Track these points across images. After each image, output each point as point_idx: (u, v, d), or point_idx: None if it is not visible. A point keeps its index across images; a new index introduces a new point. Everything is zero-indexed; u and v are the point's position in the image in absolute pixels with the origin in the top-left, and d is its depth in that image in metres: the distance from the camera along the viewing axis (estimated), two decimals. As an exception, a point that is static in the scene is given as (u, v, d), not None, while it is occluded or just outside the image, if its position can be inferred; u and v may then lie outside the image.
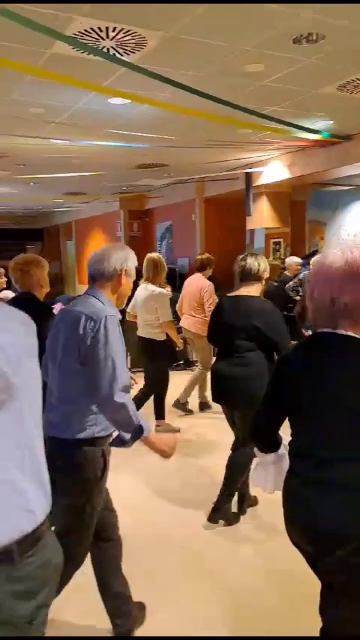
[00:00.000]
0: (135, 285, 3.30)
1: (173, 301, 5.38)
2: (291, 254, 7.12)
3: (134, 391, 4.37)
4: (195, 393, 5.01)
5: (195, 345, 5.24)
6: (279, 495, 1.49)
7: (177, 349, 4.80)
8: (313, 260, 4.23)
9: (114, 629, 1.97)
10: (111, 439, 1.78)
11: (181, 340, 4.66)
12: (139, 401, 4.36)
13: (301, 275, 5.87)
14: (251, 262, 2.80)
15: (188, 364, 6.52)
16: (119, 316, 1.81)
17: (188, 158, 6.44)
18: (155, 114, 4.43)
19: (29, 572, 0.99)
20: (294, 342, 2.20)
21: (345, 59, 3.38)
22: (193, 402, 5.01)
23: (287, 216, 7.51)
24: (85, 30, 2.83)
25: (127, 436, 1.69)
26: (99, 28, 2.81)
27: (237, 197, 7.47)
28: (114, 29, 2.82)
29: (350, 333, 1.37)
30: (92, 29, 2.81)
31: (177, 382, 4.96)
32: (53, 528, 1.14)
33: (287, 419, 1.52)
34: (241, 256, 2.87)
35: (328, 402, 1.37)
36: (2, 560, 0.96)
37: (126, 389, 1.71)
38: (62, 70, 3.36)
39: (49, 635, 1.12)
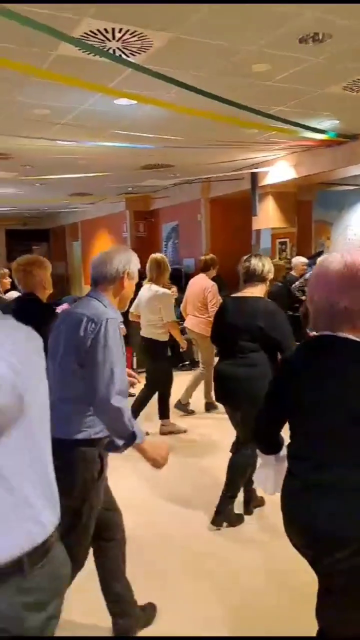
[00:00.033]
0: (139, 285, 3.31)
1: (179, 302, 5.39)
2: (297, 254, 7.10)
3: (136, 390, 4.39)
4: (200, 394, 5.01)
5: (199, 346, 5.24)
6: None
7: (180, 349, 4.81)
8: (319, 260, 4.22)
9: (114, 629, 1.98)
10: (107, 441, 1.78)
11: (185, 341, 4.65)
12: (142, 402, 4.37)
13: (307, 275, 5.85)
14: (255, 263, 2.80)
15: (194, 364, 6.52)
16: (121, 319, 1.81)
17: (193, 158, 6.44)
18: (160, 114, 4.43)
19: (38, 583, 1.00)
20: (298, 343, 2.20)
21: (352, 58, 3.36)
22: (197, 402, 5.01)
23: (293, 216, 7.50)
24: (91, 32, 2.84)
25: (121, 442, 1.69)
26: (105, 29, 2.82)
27: (243, 197, 7.46)
28: (120, 30, 2.83)
29: (349, 336, 1.37)
30: (98, 30, 2.82)
31: (184, 382, 4.96)
32: None
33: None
34: (245, 257, 2.87)
35: (328, 404, 1.37)
36: (13, 571, 0.97)
37: (123, 394, 1.71)
38: (68, 72, 3.37)
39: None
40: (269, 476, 1.63)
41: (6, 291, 5.32)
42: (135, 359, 6.13)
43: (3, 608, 0.96)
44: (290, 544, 1.46)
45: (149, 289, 4.33)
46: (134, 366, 5.99)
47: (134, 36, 2.91)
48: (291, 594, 2.23)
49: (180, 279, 7.65)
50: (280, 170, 6.73)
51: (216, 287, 4.92)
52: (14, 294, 4.73)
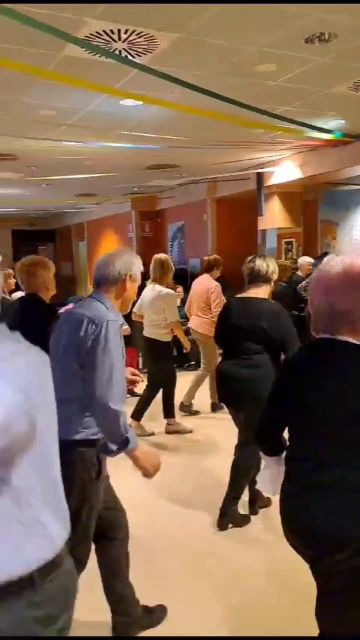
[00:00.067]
0: (142, 286, 3.31)
1: (184, 302, 5.39)
2: (303, 254, 7.07)
3: (138, 389, 4.40)
4: (205, 394, 5.01)
5: (202, 346, 5.24)
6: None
7: (184, 350, 4.80)
8: (324, 261, 4.21)
9: (114, 629, 1.99)
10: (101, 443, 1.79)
11: (188, 342, 4.65)
12: (145, 402, 4.38)
13: (313, 276, 5.82)
14: (260, 264, 2.80)
15: (199, 364, 6.52)
16: (122, 321, 1.81)
17: (199, 159, 6.44)
18: (166, 115, 4.44)
19: (49, 597, 1.01)
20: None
21: (358, 58, 3.36)
22: (203, 402, 5.01)
23: (299, 216, 7.48)
24: (97, 33, 2.85)
25: (114, 447, 1.69)
26: (111, 30, 2.83)
27: (249, 197, 7.45)
28: (126, 30, 2.84)
29: (349, 339, 1.38)
30: (103, 31, 2.83)
31: (189, 382, 4.96)
32: None
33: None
34: (250, 258, 2.87)
35: (328, 404, 1.37)
36: (24, 586, 0.98)
37: (121, 397, 1.71)
38: (74, 73, 3.38)
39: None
40: (270, 478, 1.63)
41: (11, 292, 5.35)
42: (140, 359, 6.14)
43: (15, 622, 0.98)
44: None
45: (152, 289, 4.33)
46: (140, 366, 5.99)
47: (140, 37, 2.92)
48: (291, 594, 2.23)
49: (186, 279, 7.65)
50: (286, 170, 6.71)
51: (220, 287, 4.92)
52: (19, 295, 4.76)
